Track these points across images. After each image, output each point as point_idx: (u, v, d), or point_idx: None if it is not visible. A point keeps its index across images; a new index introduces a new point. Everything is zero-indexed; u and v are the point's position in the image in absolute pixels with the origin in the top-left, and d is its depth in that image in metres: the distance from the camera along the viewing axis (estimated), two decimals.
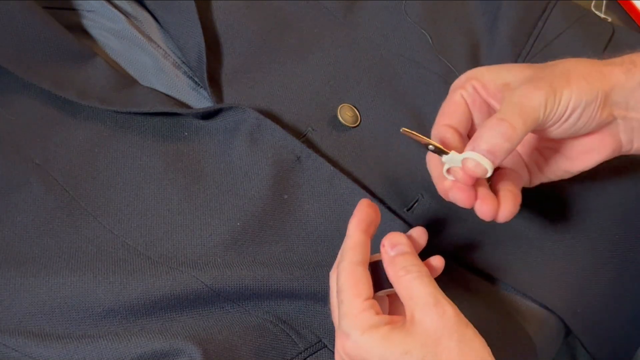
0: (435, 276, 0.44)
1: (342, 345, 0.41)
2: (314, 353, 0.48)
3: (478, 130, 0.42)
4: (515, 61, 0.60)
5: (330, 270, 0.48)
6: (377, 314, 0.41)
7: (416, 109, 0.58)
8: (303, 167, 0.53)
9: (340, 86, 0.58)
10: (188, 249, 0.49)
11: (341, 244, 0.51)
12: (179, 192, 0.51)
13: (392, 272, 0.42)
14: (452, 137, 0.45)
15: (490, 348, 0.40)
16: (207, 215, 0.51)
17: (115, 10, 0.60)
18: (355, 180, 0.53)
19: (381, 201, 0.53)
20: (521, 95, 0.42)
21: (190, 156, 0.53)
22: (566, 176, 0.48)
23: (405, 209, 0.53)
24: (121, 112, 0.54)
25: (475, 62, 0.60)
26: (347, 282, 0.41)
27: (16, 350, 0.45)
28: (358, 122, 0.57)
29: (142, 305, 0.47)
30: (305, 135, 0.55)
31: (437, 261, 0.45)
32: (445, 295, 0.41)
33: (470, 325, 0.40)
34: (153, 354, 0.45)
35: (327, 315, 0.49)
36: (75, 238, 0.49)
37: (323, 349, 0.48)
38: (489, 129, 0.42)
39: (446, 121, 0.46)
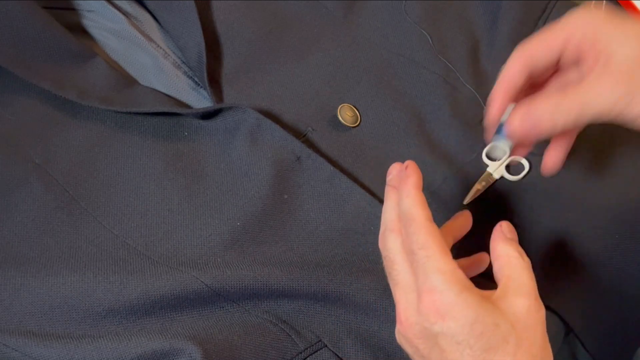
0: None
1: (432, 301, 0.38)
2: (314, 353, 0.48)
3: (539, 102, 0.43)
4: None
5: (330, 270, 0.48)
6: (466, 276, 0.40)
7: (416, 109, 0.58)
8: (303, 167, 0.53)
9: (340, 86, 0.58)
10: (188, 249, 0.49)
11: (341, 243, 0.51)
12: (179, 192, 0.51)
13: (504, 250, 0.41)
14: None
15: None
16: (207, 215, 0.51)
17: (115, 10, 0.60)
18: (355, 180, 0.53)
19: (381, 201, 0.53)
20: (596, 91, 0.41)
21: (190, 156, 0.53)
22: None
23: None
24: (121, 112, 0.54)
25: (475, 62, 0.60)
26: (430, 238, 0.39)
27: (16, 350, 0.45)
28: (358, 122, 0.57)
29: (142, 305, 0.47)
30: (305, 135, 0.55)
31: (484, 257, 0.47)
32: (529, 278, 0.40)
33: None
34: (153, 354, 0.45)
35: (327, 315, 0.49)
36: (75, 238, 0.49)
37: (323, 349, 0.48)
38: (544, 106, 0.42)
39: (506, 96, 0.46)
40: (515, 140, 0.45)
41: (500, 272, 0.41)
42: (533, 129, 0.43)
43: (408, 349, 0.41)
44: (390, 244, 0.42)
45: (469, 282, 0.39)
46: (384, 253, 0.43)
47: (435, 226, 0.40)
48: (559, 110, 0.42)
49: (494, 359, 0.37)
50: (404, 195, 0.42)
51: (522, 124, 0.43)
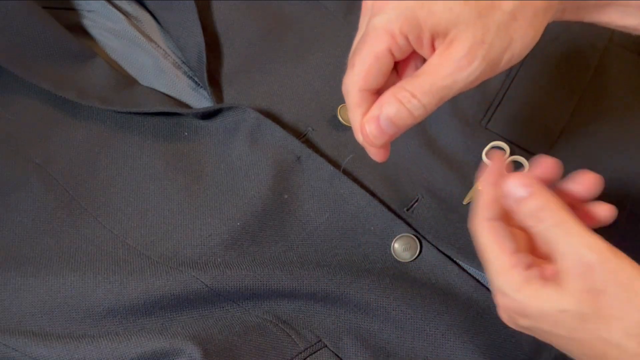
0: (595, 193, 0.39)
1: (503, 303, 0.38)
2: (314, 353, 0.48)
3: (387, 97, 0.38)
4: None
5: (330, 270, 0.48)
6: (528, 267, 0.37)
7: None
8: (303, 167, 0.53)
9: (340, 86, 0.58)
10: (188, 249, 0.49)
11: (341, 243, 0.51)
12: (179, 192, 0.51)
13: (523, 222, 0.38)
14: (366, 110, 0.39)
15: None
16: (207, 215, 0.51)
17: (115, 10, 0.60)
18: (355, 180, 0.53)
19: (381, 201, 0.53)
20: (446, 72, 0.37)
21: (190, 156, 0.53)
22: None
23: (405, 209, 0.53)
24: (121, 112, 0.54)
25: None
26: (488, 239, 0.38)
27: (16, 350, 0.45)
28: None
29: (142, 305, 0.47)
30: (305, 135, 0.55)
31: (605, 210, 0.39)
32: (586, 239, 0.35)
33: (625, 265, 0.35)
34: (153, 354, 0.45)
35: (327, 315, 0.49)
36: (75, 238, 0.49)
37: (323, 349, 0.48)
38: (394, 100, 0.37)
39: (363, 85, 0.39)
40: (379, 145, 0.40)
41: (539, 246, 0.39)
42: (394, 133, 0.39)
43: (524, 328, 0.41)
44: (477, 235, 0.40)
45: (526, 274, 0.36)
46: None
47: (497, 224, 0.38)
48: (416, 105, 0.37)
49: (583, 337, 0.36)
50: (480, 190, 0.39)
51: (379, 131, 0.39)
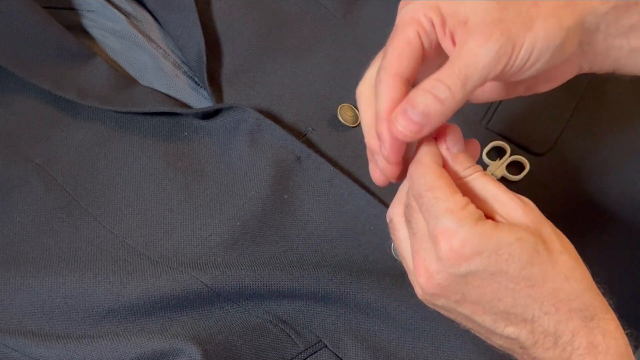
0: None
1: (449, 245, 0.36)
2: (314, 353, 0.48)
3: (414, 90, 0.37)
4: None
5: (330, 270, 0.48)
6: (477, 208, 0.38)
7: None
8: (303, 167, 0.53)
9: (340, 86, 0.58)
10: (188, 249, 0.49)
11: (341, 243, 0.51)
12: (179, 192, 0.51)
13: (459, 171, 0.39)
14: (401, 96, 0.38)
15: None
16: (207, 215, 0.51)
17: (115, 10, 0.60)
18: (355, 180, 0.53)
19: (381, 201, 0.53)
20: (468, 50, 0.36)
21: (190, 156, 0.53)
22: (522, 94, 0.44)
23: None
24: (121, 112, 0.54)
25: None
26: (436, 180, 0.38)
27: (16, 350, 0.45)
28: (358, 122, 0.57)
29: (142, 305, 0.47)
30: (305, 135, 0.55)
31: (474, 145, 0.42)
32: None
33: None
34: (153, 354, 0.45)
35: (327, 315, 0.49)
36: (75, 238, 0.49)
37: (323, 349, 0.48)
38: (422, 91, 0.37)
39: (396, 68, 0.38)
40: (412, 140, 0.39)
41: (473, 195, 0.39)
42: (425, 123, 0.37)
43: (440, 307, 0.40)
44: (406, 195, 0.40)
45: (480, 213, 0.37)
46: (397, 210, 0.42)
47: (442, 169, 0.39)
48: (441, 89, 0.37)
49: (535, 274, 0.36)
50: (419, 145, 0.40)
51: (408, 124, 0.37)
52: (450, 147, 0.40)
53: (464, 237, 0.36)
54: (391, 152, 0.39)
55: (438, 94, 0.37)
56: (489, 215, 0.38)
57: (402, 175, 0.41)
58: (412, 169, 0.39)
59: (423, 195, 0.38)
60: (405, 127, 0.37)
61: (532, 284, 0.36)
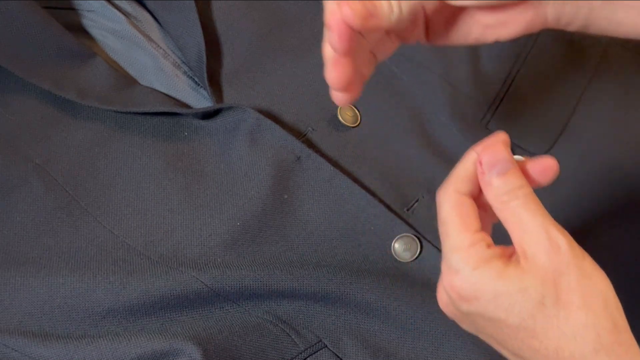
0: (549, 180, 0.38)
1: (450, 283, 0.36)
2: (314, 353, 0.48)
3: None
4: (516, 60, 0.59)
5: (330, 270, 0.48)
6: (489, 246, 0.36)
7: (416, 109, 0.58)
8: (303, 167, 0.53)
9: None
10: (188, 249, 0.49)
11: (341, 243, 0.51)
12: (179, 192, 0.51)
13: (494, 198, 0.36)
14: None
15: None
16: (207, 215, 0.51)
17: (115, 10, 0.60)
18: (355, 180, 0.53)
19: (381, 201, 0.53)
20: None
21: (190, 156, 0.53)
22: (471, 43, 0.42)
23: (405, 209, 0.53)
24: (121, 112, 0.54)
25: (476, 62, 0.60)
26: (452, 213, 0.36)
27: (16, 350, 0.45)
28: (358, 122, 0.57)
29: (142, 305, 0.47)
30: (305, 135, 0.55)
31: (550, 162, 0.37)
32: (555, 223, 0.35)
33: (587, 257, 0.35)
34: (153, 354, 0.45)
35: (327, 315, 0.49)
36: (75, 238, 0.49)
37: (323, 349, 0.48)
38: None
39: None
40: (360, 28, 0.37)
41: (506, 224, 0.36)
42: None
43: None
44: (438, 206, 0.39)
45: (488, 253, 0.35)
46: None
47: (466, 200, 0.37)
48: None
49: (537, 328, 0.34)
50: (461, 160, 0.38)
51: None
52: (486, 172, 0.37)
53: (462, 279, 0.35)
54: (339, 39, 0.37)
55: None
56: (519, 249, 0.35)
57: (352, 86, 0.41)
58: (440, 191, 0.38)
59: (439, 225, 0.37)
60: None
61: (533, 335, 0.35)
